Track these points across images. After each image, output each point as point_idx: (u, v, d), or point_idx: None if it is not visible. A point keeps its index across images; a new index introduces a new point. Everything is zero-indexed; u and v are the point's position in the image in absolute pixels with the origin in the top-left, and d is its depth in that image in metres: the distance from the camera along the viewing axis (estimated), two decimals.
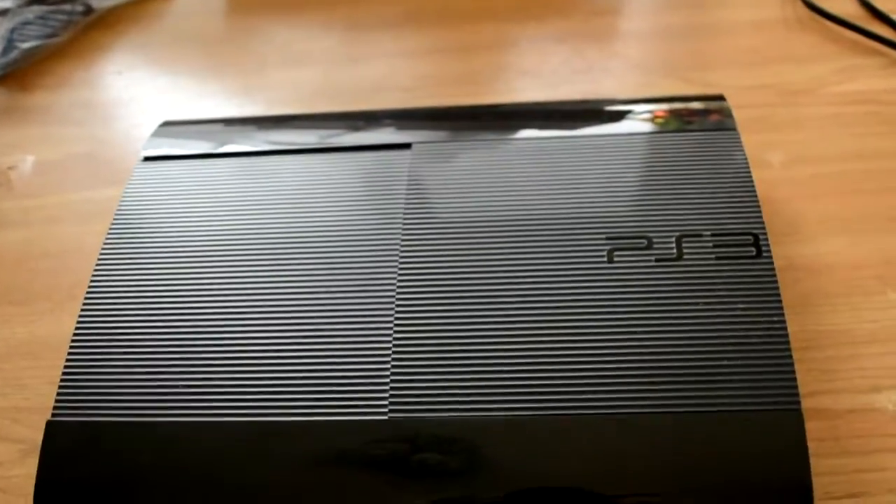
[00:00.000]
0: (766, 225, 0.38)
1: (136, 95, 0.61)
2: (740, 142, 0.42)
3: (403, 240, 0.40)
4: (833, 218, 0.45)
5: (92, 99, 0.61)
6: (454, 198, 0.41)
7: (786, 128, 0.51)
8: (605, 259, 0.38)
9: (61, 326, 0.44)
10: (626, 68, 0.58)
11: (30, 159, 0.57)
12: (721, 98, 0.45)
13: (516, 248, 0.39)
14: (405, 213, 0.41)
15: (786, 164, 0.49)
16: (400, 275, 0.38)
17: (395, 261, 0.39)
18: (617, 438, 0.33)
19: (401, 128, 0.46)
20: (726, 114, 0.44)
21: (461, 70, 0.59)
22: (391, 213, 0.41)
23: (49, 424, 0.35)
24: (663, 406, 0.33)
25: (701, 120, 0.44)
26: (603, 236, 0.38)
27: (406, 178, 0.42)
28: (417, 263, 0.39)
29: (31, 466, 0.34)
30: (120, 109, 0.60)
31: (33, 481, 0.34)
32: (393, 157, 0.44)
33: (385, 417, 0.34)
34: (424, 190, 0.42)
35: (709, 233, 0.38)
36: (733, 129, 0.43)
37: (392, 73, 0.60)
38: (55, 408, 0.36)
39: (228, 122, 0.49)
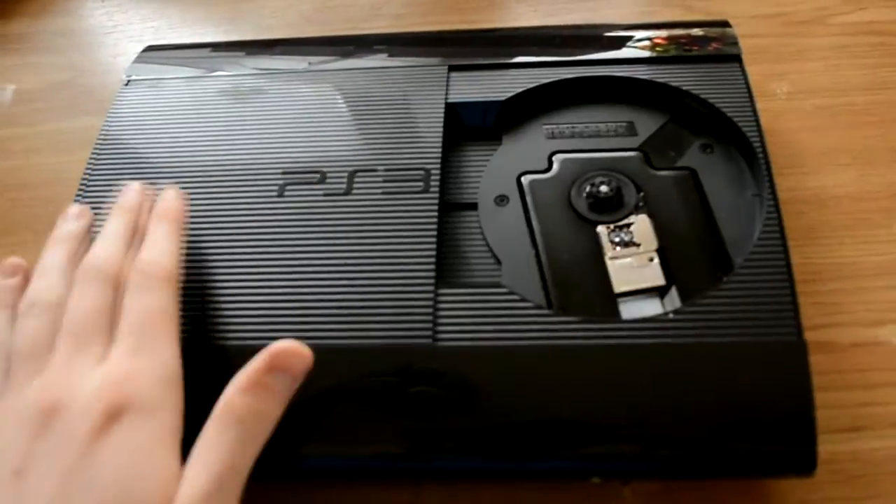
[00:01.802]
0: (771, 156, 0.37)
1: (120, 23, 0.59)
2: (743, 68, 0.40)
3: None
4: (839, 150, 0.44)
5: (74, 27, 0.59)
6: None
7: (792, 58, 0.49)
8: None
9: None
10: None
11: (9, 88, 0.55)
12: (726, 24, 0.43)
13: None
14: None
15: (791, 96, 0.47)
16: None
17: None
18: (623, 368, 0.32)
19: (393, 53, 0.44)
20: (731, 41, 0.42)
21: None
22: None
23: None
24: (667, 336, 0.32)
25: (704, 46, 0.42)
26: None
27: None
28: None
29: None
30: (102, 37, 0.58)
31: None
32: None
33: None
34: None
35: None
36: (737, 55, 0.41)
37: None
38: None
39: (215, 46, 0.47)
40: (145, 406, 0.28)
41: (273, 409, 0.28)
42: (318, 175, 0.38)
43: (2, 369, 0.30)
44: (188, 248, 0.36)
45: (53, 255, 0.34)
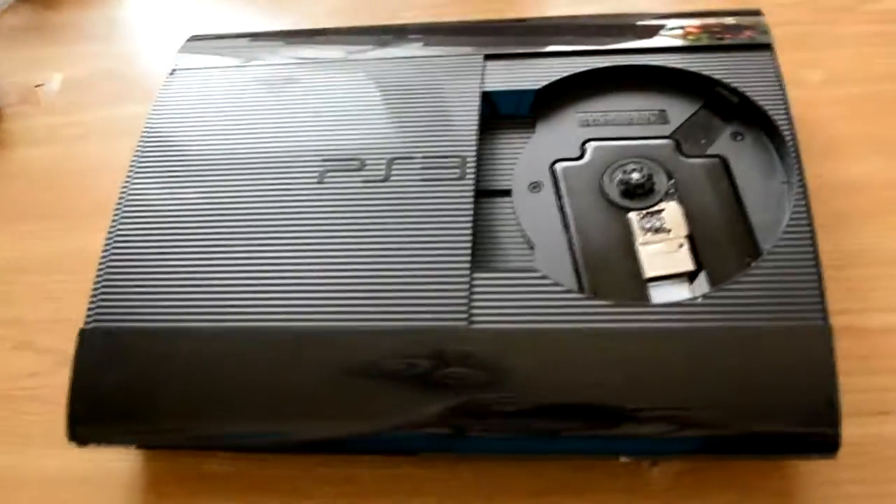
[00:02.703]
0: (801, 144, 0.37)
1: (163, 12, 0.61)
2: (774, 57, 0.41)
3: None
4: (869, 138, 0.44)
5: (119, 16, 0.61)
6: None
7: (824, 46, 0.50)
8: None
9: (90, 241, 0.44)
10: None
11: (57, 77, 0.57)
12: (757, 13, 0.44)
13: None
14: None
15: (823, 84, 0.47)
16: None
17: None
18: (652, 351, 0.33)
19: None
20: (762, 29, 0.43)
21: None
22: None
23: (82, 332, 0.36)
24: (695, 320, 0.33)
25: (736, 35, 0.43)
26: None
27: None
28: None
29: (65, 376, 0.35)
30: (148, 26, 0.60)
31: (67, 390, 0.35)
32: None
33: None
34: None
35: None
36: (769, 43, 0.42)
37: None
38: (88, 316, 0.36)
39: (256, 36, 0.48)
40: None
41: None
42: (357, 162, 0.39)
43: None
44: (231, 233, 0.38)
45: None
